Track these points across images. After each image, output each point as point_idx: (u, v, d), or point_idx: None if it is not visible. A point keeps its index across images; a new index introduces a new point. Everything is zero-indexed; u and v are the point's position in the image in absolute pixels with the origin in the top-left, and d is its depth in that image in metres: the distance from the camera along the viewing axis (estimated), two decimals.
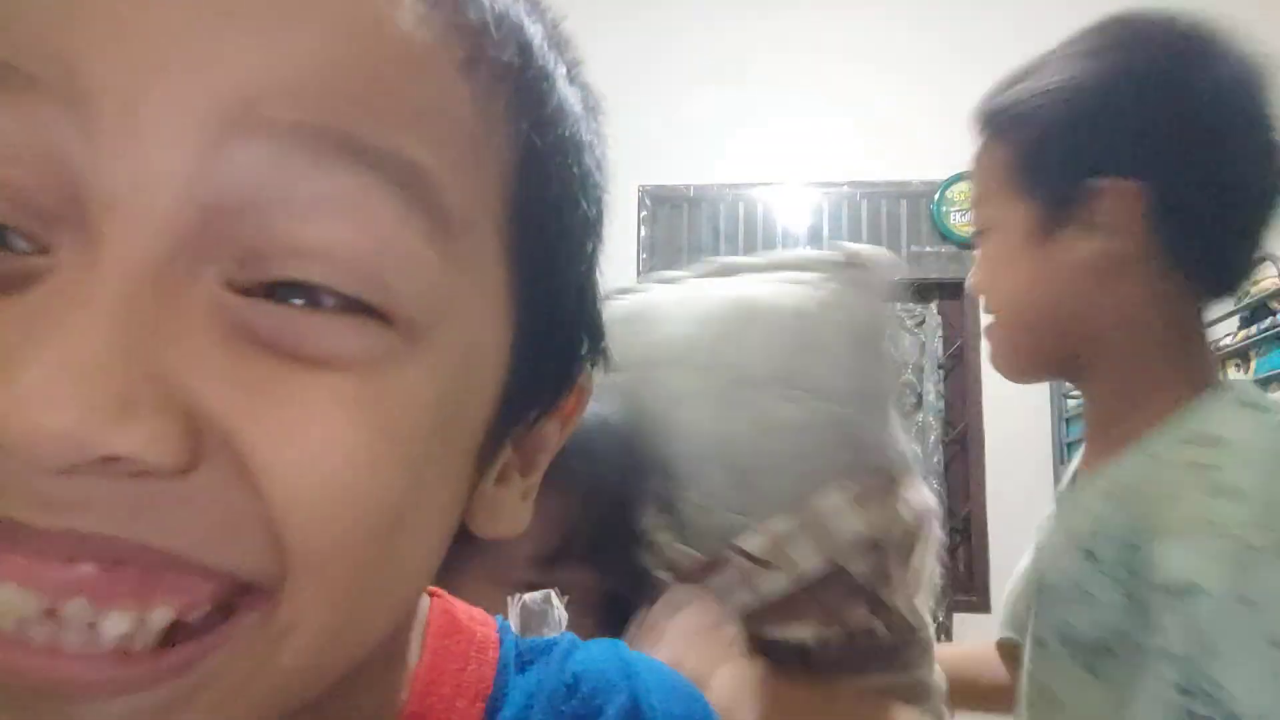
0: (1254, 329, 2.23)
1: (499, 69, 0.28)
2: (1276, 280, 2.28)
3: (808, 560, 0.75)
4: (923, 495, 0.90)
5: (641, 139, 3.92)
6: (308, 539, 0.22)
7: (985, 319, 0.87)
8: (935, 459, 3.48)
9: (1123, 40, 0.86)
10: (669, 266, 3.64)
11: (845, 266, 0.80)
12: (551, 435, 0.37)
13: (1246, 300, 2.43)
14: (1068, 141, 0.79)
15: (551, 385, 0.36)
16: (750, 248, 3.82)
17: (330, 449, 0.22)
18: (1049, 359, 0.81)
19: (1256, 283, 2.41)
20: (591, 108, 0.29)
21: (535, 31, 0.34)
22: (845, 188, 3.81)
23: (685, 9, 4.01)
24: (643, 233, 3.84)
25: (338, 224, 0.21)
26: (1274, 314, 2.18)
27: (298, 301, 0.22)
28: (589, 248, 0.34)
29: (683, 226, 3.86)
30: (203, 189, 0.20)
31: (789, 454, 0.74)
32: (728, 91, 3.92)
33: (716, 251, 3.83)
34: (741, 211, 3.85)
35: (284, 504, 0.22)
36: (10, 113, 0.18)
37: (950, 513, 3.49)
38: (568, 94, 0.32)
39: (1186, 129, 0.75)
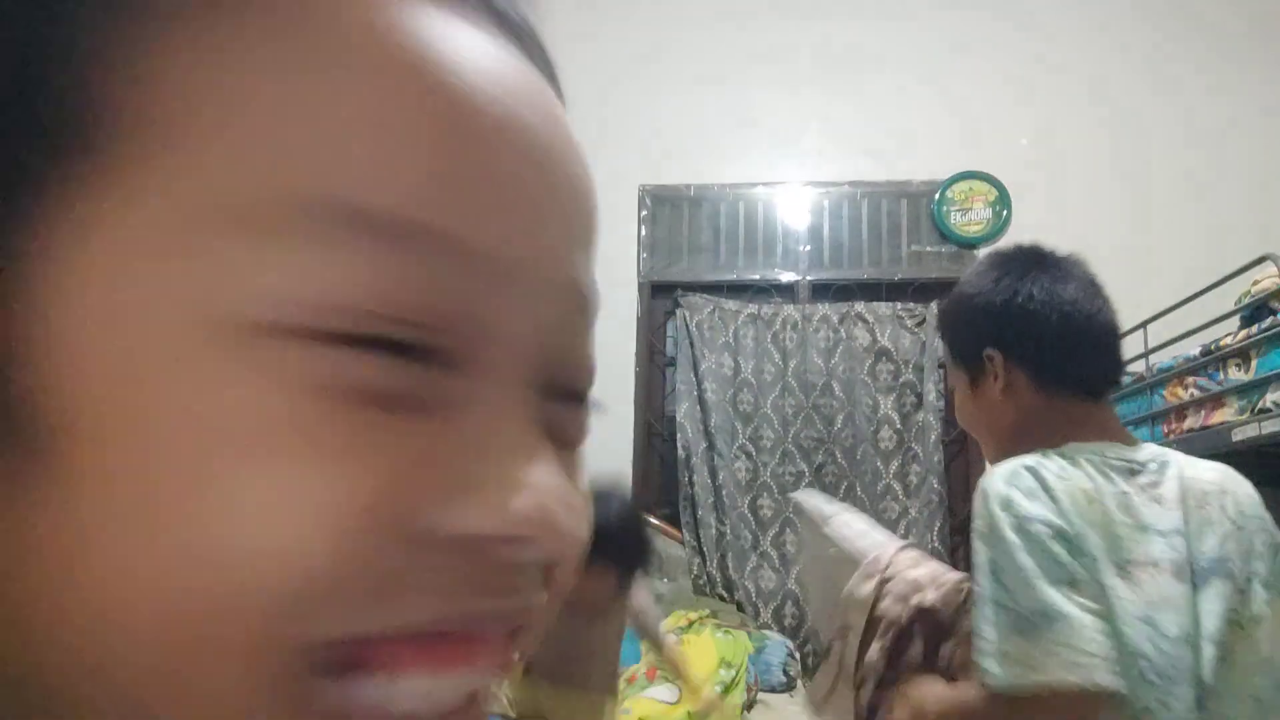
0: (1254, 329, 2.22)
1: None
2: (1277, 279, 2.28)
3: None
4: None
5: (642, 139, 3.93)
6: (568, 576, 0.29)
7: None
8: (935, 459, 3.47)
9: (991, 264, 1.28)
10: (669, 265, 3.66)
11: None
12: None
13: (1247, 300, 2.43)
14: (967, 334, 1.29)
15: None
16: (750, 247, 3.82)
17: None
18: (996, 450, 1.27)
19: (1257, 282, 2.41)
20: None
21: None
22: (845, 187, 3.81)
23: (686, 12, 4.01)
24: (643, 232, 3.84)
25: (590, 352, 0.30)
26: (1274, 313, 2.17)
27: (569, 403, 0.29)
28: None
29: (683, 226, 3.86)
30: (551, 339, 0.27)
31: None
32: (728, 92, 3.92)
33: (716, 251, 3.82)
34: (742, 211, 3.84)
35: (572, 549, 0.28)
36: (450, 267, 0.24)
37: (950, 512, 3.48)
38: None
39: (1021, 320, 1.20)
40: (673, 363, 3.74)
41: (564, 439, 0.29)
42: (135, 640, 0.21)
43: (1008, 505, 1.03)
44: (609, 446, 3.68)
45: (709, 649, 2.66)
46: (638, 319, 3.78)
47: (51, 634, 0.21)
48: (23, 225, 0.21)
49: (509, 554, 0.24)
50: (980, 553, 1.04)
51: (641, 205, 3.86)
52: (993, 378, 1.23)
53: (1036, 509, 1.02)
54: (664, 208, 3.86)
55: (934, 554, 3.37)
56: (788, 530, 3.48)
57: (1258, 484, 3.52)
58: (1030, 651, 0.95)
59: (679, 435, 3.59)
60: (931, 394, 3.52)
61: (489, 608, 0.25)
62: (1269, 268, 2.28)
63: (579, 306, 0.29)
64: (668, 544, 3.49)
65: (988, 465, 1.23)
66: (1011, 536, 1.00)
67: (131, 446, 0.20)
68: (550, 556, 0.26)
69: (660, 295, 3.84)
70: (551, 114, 0.30)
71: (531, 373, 0.27)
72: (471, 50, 0.26)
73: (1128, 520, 1.06)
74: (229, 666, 0.21)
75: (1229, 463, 2.62)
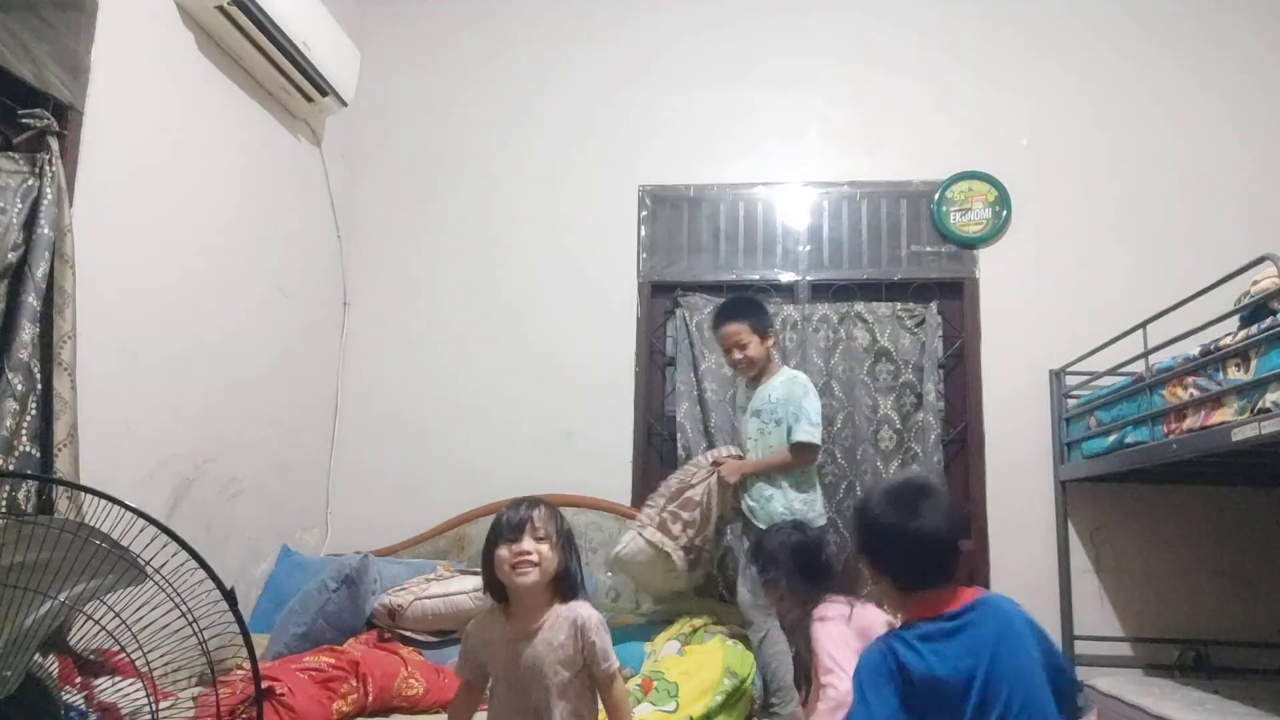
0: (1254, 329, 2.22)
1: None
2: (1276, 279, 2.28)
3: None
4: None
5: (643, 140, 3.93)
6: None
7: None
8: (935, 459, 3.47)
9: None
10: (669, 265, 3.66)
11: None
12: None
13: (1247, 300, 2.43)
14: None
15: None
16: (750, 247, 3.82)
17: None
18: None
19: (1256, 282, 2.41)
20: None
21: None
22: (845, 187, 3.81)
23: (686, 14, 4.01)
24: (643, 232, 3.84)
25: None
26: (1274, 313, 2.18)
27: None
28: None
29: (683, 226, 3.86)
30: None
31: None
32: (728, 93, 3.92)
33: (716, 251, 3.83)
34: (742, 211, 3.84)
35: None
36: None
37: None
38: None
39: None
40: (673, 362, 3.74)
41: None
42: None
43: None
44: (610, 446, 3.69)
45: (715, 658, 2.64)
46: (638, 319, 3.78)
47: None
48: None
49: None
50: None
51: (641, 205, 3.86)
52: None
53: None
54: (664, 208, 3.86)
55: None
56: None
57: (1257, 484, 3.53)
58: None
59: (679, 435, 3.59)
60: (931, 394, 3.52)
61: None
62: (1268, 268, 2.28)
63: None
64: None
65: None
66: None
67: None
68: None
69: (660, 295, 3.84)
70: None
71: None
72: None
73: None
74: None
75: (1229, 462, 2.63)
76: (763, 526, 2.82)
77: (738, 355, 3.00)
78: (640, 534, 3.00)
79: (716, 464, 3.04)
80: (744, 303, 3.10)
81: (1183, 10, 3.77)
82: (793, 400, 2.94)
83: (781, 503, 2.88)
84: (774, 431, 2.96)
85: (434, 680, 2.56)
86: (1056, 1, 3.83)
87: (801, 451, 2.92)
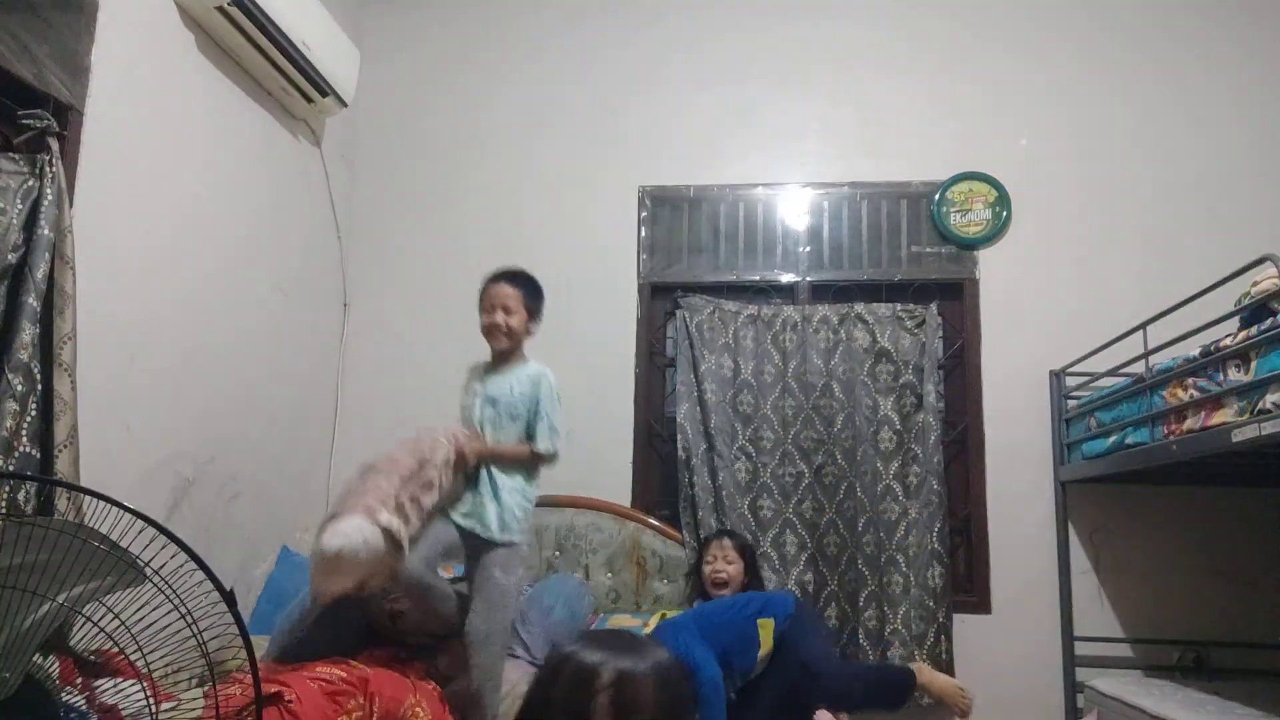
0: (1254, 329, 2.22)
1: None
2: (1276, 280, 2.28)
3: None
4: None
5: (643, 141, 3.93)
6: None
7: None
8: (935, 459, 3.47)
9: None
10: (669, 266, 3.67)
11: None
12: None
13: (1247, 301, 2.43)
14: None
15: None
16: (750, 248, 3.82)
17: None
18: None
19: (1257, 283, 2.41)
20: None
21: None
22: (845, 188, 3.81)
23: (688, 19, 4.01)
24: (643, 233, 3.84)
25: None
26: (1274, 315, 2.18)
27: None
28: None
29: (683, 227, 3.86)
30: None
31: None
32: (729, 94, 3.92)
33: (716, 252, 3.82)
34: (742, 212, 3.84)
35: None
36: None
37: (950, 513, 3.48)
38: None
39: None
40: (673, 364, 3.74)
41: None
42: None
43: None
44: (610, 447, 3.69)
45: None
46: (638, 320, 3.78)
47: None
48: None
49: None
50: None
51: (642, 206, 3.86)
52: None
53: None
54: (664, 209, 3.86)
55: (934, 555, 3.38)
56: (788, 531, 3.48)
57: (1257, 485, 3.53)
58: None
59: (679, 436, 3.59)
60: (931, 395, 3.52)
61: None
62: (1268, 268, 2.27)
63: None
64: (668, 545, 3.49)
65: None
66: None
67: None
68: None
69: (660, 296, 3.84)
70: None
71: None
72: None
73: None
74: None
75: (1229, 463, 2.62)
76: (493, 527, 2.57)
77: (500, 318, 2.73)
78: (374, 521, 2.21)
79: (457, 441, 2.59)
80: (528, 278, 2.83)
81: (1190, 5, 3.77)
82: (538, 400, 2.73)
83: (520, 499, 2.64)
84: (509, 427, 2.70)
85: (439, 713, 2.54)
86: (1050, 5, 3.83)
87: (540, 458, 2.72)
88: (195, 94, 2.89)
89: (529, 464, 2.71)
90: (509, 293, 2.76)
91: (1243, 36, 3.72)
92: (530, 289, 2.80)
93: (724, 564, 3.08)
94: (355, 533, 2.15)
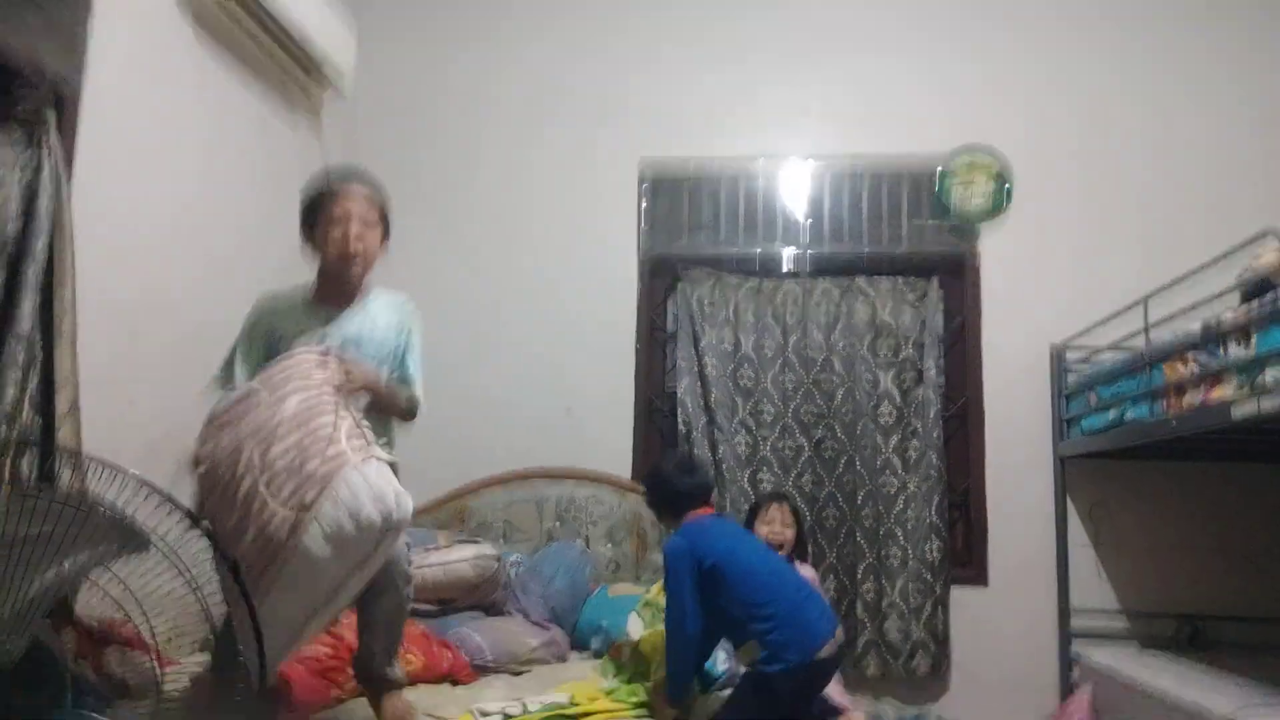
0: (1255, 304, 2.22)
1: None
2: (1278, 255, 2.28)
3: None
4: None
5: (644, 118, 3.90)
6: None
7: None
8: (935, 434, 3.48)
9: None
10: (670, 241, 3.63)
11: None
12: None
13: (1248, 275, 2.42)
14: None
15: None
16: (750, 223, 3.80)
17: None
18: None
19: (1258, 257, 2.40)
20: None
21: None
22: (846, 162, 3.79)
23: None
24: (644, 208, 3.82)
25: None
26: (1275, 289, 2.17)
27: None
28: None
29: (683, 202, 3.84)
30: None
31: None
32: (729, 68, 3.89)
33: (717, 226, 3.81)
34: (742, 186, 3.82)
35: None
36: None
37: (949, 488, 3.50)
38: None
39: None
40: (673, 338, 3.74)
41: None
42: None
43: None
44: (611, 421, 3.70)
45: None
46: (639, 295, 3.78)
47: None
48: None
49: None
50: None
51: (643, 180, 3.84)
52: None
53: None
54: (665, 183, 3.84)
55: (932, 529, 3.40)
56: (769, 505, 3.49)
57: (1257, 460, 3.54)
58: None
59: (680, 410, 3.60)
60: (932, 370, 3.52)
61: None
62: (1270, 242, 2.27)
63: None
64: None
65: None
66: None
67: None
68: None
69: (661, 272, 3.83)
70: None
71: None
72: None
73: None
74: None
75: (1229, 439, 2.63)
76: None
77: (355, 232, 2.13)
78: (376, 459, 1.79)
79: (341, 361, 1.96)
80: (376, 181, 2.30)
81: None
82: (409, 333, 2.25)
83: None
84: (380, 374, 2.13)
85: (430, 652, 2.58)
86: None
87: (414, 410, 2.23)
88: (192, 75, 2.89)
89: (403, 416, 2.21)
90: (366, 198, 2.21)
91: (1244, 14, 3.69)
92: (383, 195, 2.29)
93: (781, 526, 3.03)
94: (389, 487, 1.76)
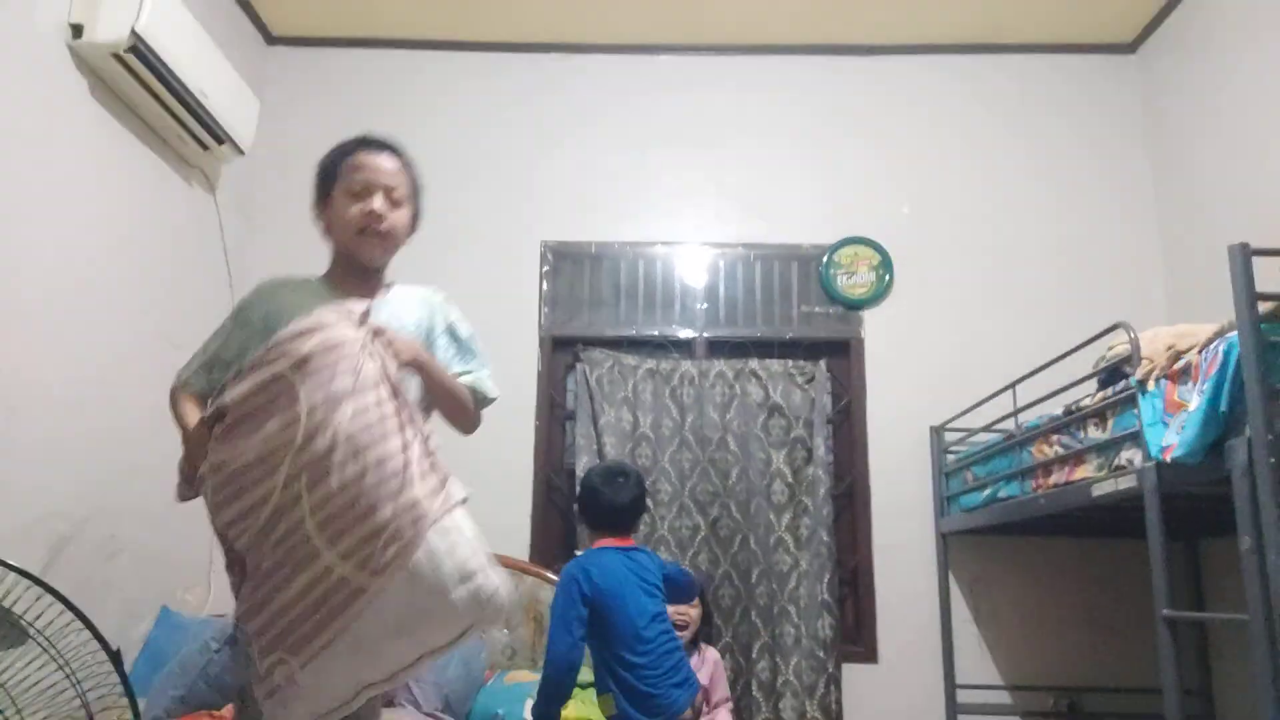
0: (1110, 391, 2.41)
1: None
2: (1127, 346, 2.47)
3: None
4: None
5: (547, 198, 4.00)
6: None
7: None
8: (825, 511, 3.58)
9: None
10: (570, 320, 3.69)
11: None
12: None
13: (1103, 364, 2.62)
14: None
15: None
16: (649, 304, 3.91)
17: None
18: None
19: (1111, 347, 2.61)
20: None
21: None
22: (740, 249, 3.96)
23: (594, 80, 4.12)
24: (545, 287, 3.89)
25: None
26: (1126, 378, 2.36)
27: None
28: None
29: (584, 281, 3.93)
30: None
31: None
32: (630, 155, 4.04)
33: (617, 306, 3.90)
34: (641, 268, 3.94)
35: None
36: None
37: (839, 564, 3.59)
38: None
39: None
40: (572, 416, 3.77)
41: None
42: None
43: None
44: (509, 499, 3.68)
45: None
46: (538, 373, 3.81)
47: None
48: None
49: None
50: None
51: (544, 261, 3.92)
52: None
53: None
54: (566, 263, 3.93)
55: (824, 606, 3.47)
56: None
57: (1118, 536, 3.75)
58: None
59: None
60: (821, 449, 3.65)
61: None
62: (1121, 334, 2.47)
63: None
64: None
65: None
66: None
67: None
68: None
69: (561, 350, 3.88)
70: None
71: None
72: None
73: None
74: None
75: (1092, 516, 2.80)
76: None
77: (380, 209, 1.79)
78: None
79: (377, 333, 1.63)
80: (405, 152, 1.95)
81: (1059, 80, 4.07)
82: (451, 325, 1.98)
83: None
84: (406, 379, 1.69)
85: None
86: (939, 74, 4.09)
87: (484, 402, 2.00)
88: (84, 137, 2.83)
89: (464, 415, 1.96)
90: (393, 170, 1.86)
91: (1121, 107, 4.03)
92: (416, 170, 1.97)
93: (688, 607, 3.00)
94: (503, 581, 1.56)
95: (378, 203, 1.78)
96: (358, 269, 1.84)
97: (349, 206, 1.79)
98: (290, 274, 1.94)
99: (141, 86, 2.93)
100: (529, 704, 2.87)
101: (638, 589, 2.37)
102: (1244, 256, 1.90)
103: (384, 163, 1.83)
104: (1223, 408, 1.90)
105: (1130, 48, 4.06)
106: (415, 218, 1.92)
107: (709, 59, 4.14)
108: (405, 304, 1.88)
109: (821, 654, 3.45)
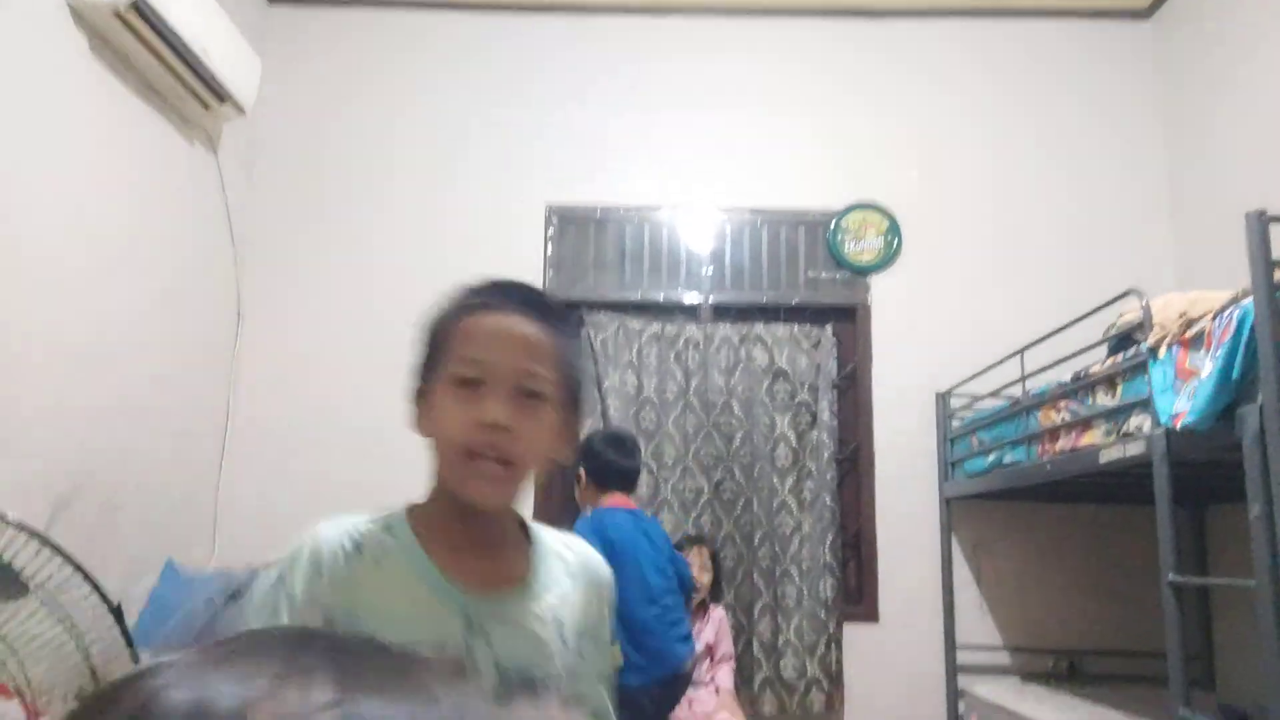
0: (1120, 358, 2.39)
1: None
2: (1139, 312, 2.45)
3: None
4: None
5: (551, 159, 3.95)
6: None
7: None
8: (829, 475, 3.59)
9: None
10: (575, 283, 3.67)
11: None
12: None
13: (1114, 331, 2.61)
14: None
15: None
16: (655, 268, 3.88)
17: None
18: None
19: (1122, 314, 2.59)
20: None
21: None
22: (747, 213, 3.92)
23: (601, 43, 4.06)
24: (549, 250, 3.86)
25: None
26: (1137, 344, 2.35)
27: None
28: None
29: (589, 245, 3.90)
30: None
31: None
32: (637, 118, 3.99)
33: (622, 270, 3.88)
34: (647, 232, 3.91)
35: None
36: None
37: (842, 527, 3.60)
38: None
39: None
40: None
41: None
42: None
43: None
44: None
45: None
46: None
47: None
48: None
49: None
50: None
51: (549, 224, 3.88)
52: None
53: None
54: (571, 227, 3.90)
55: (826, 568, 3.49)
56: (690, 548, 3.53)
57: (1124, 502, 3.74)
58: None
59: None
60: (825, 413, 3.64)
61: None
62: (1133, 301, 2.44)
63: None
64: None
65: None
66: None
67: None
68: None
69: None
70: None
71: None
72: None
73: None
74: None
75: (1098, 482, 2.80)
76: None
77: (499, 418, 0.99)
78: None
79: None
80: (556, 308, 1.13)
81: (1070, 47, 4.01)
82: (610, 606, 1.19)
83: None
84: (587, 679, 1.10)
85: None
86: (949, 39, 4.03)
87: None
88: (84, 95, 2.79)
89: None
90: (531, 342, 1.05)
91: (1130, 74, 3.97)
92: (569, 339, 1.13)
93: (699, 570, 3.10)
94: None
95: (494, 407, 1.01)
96: (471, 512, 1.06)
97: (451, 406, 1.03)
98: (353, 523, 1.11)
99: (142, 45, 2.89)
100: None
101: (646, 546, 2.52)
102: (1261, 224, 1.88)
103: (515, 328, 1.05)
104: (1235, 374, 1.88)
105: (1145, 14, 3.99)
106: (570, 425, 1.11)
107: (717, 21, 4.08)
108: (565, 581, 1.13)
109: (823, 614, 3.47)
